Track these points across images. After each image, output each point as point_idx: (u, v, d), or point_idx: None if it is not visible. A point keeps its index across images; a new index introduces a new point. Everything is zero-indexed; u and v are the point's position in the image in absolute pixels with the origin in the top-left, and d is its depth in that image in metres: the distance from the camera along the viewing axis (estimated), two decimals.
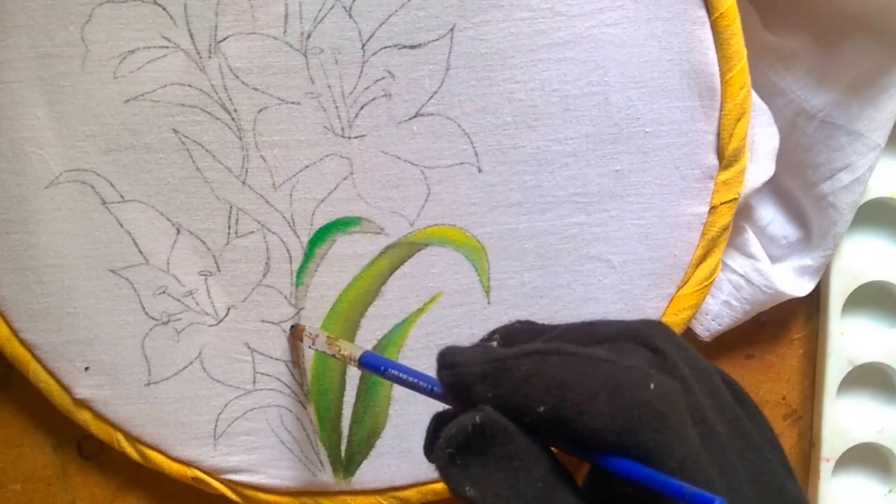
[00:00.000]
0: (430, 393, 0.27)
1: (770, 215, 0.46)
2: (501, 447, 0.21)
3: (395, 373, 0.29)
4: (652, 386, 0.21)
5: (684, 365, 0.23)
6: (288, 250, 0.41)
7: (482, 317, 0.42)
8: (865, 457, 0.49)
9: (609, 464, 0.21)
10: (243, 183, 0.40)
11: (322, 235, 0.41)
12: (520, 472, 0.21)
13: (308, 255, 0.41)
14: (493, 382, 0.22)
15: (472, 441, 0.21)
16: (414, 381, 0.28)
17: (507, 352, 0.22)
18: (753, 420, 0.24)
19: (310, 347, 0.39)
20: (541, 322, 0.27)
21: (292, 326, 0.41)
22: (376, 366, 0.31)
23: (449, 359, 0.23)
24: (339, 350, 0.35)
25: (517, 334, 0.26)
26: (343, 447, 0.43)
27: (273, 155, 0.39)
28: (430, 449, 0.24)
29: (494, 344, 0.25)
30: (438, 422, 0.24)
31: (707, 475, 0.21)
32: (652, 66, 0.40)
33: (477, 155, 0.40)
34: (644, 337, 0.24)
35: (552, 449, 0.22)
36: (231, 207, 0.40)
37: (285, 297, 0.41)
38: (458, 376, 0.22)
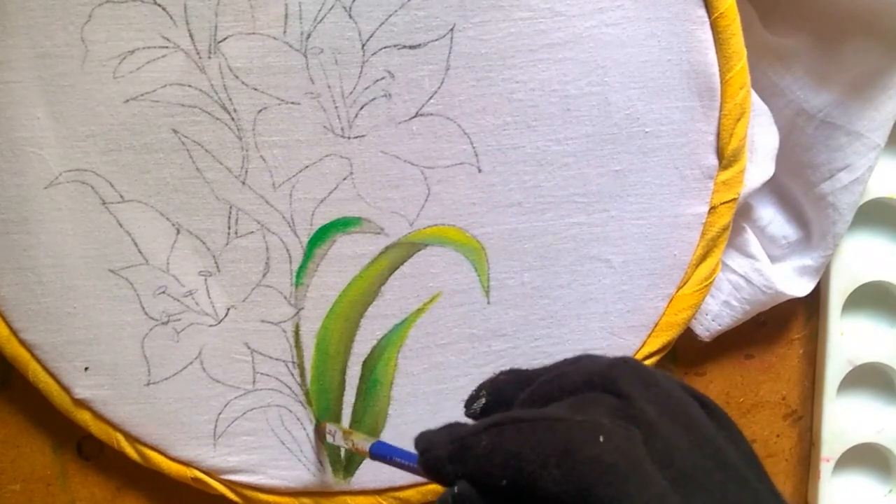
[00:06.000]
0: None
1: (770, 215, 0.46)
2: None
3: (401, 461, 0.32)
4: (601, 438, 0.21)
5: (651, 405, 0.23)
6: (288, 250, 0.41)
7: (482, 317, 0.42)
8: (865, 457, 0.49)
9: None
10: (243, 183, 0.40)
11: (322, 235, 0.41)
12: None
13: (308, 255, 0.41)
14: (460, 461, 0.23)
15: None
16: (417, 468, 0.29)
17: (468, 429, 0.24)
18: (738, 447, 0.24)
19: (331, 442, 0.41)
20: (525, 370, 0.28)
21: (315, 426, 0.42)
22: (385, 455, 0.34)
23: (421, 444, 0.25)
24: (353, 444, 0.37)
25: (503, 388, 0.27)
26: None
27: (273, 155, 0.39)
28: None
29: (483, 401, 0.27)
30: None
31: None
32: (652, 66, 0.40)
33: (477, 155, 0.40)
34: (608, 382, 0.24)
35: None
36: (231, 207, 0.40)
37: (285, 298, 0.41)
38: (430, 461, 0.24)
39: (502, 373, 0.28)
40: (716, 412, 0.25)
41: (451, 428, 0.25)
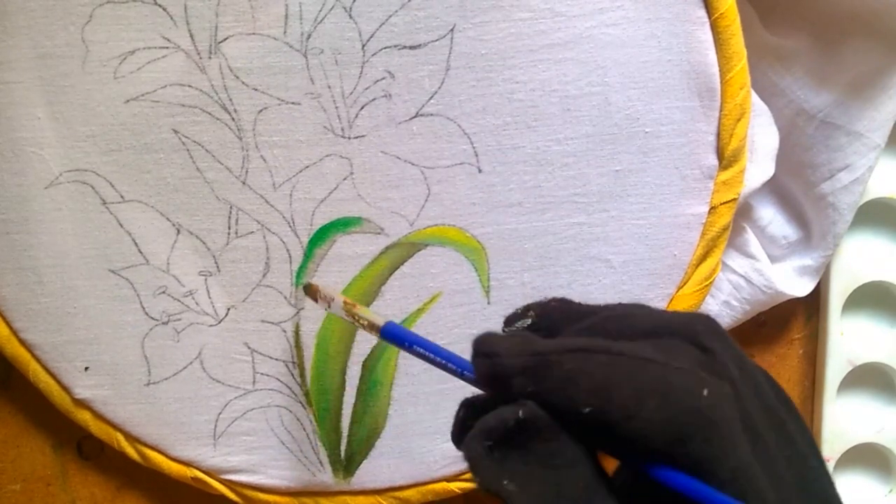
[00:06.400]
0: (460, 375, 0.25)
1: (770, 215, 0.46)
2: (545, 444, 0.21)
3: (421, 350, 0.27)
4: (705, 392, 0.20)
5: (733, 365, 0.22)
6: (288, 250, 0.41)
7: (482, 317, 0.42)
8: (865, 457, 0.49)
9: (656, 473, 0.20)
10: (243, 183, 0.40)
11: (322, 236, 0.41)
12: (562, 470, 0.20)
13: (308, 255, 0.41)
14: (535, 377, 0.21)
15: (513, 436, 0.21)
16: (442, 362, 0.26)
17: (549, 345, 0.21)
18: (796, 423, 0.23)
19: (325, 310, 0.36)
20: (577, 303, 0.26)
21: (306, 286, 0.38)
22: (401, 339, 0.28)
23: (486, 348, 0.22)
24: (358, 318, 0.32)
25: (553, 314, 0.25)
26: (343, 447, 0.43)
27: (273, 155, 0.39)
28: (459, 437, 0.23)
29: (529, 321, 0.25)
30: (468, 409, 0.23)
31: (758, 486, 0.20)
32: (652, 67, 0.40)
33: (477, 155, 0.40)
34: (691, 333, 0.22)
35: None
36: (231, 207, 0.40)
37: (285, 298, 0.41)
38: (497, 367, 0.21)
39: (554, 299, 0.25)
40: (775, 385, 0.24)
41: (525, 339, 0.22)
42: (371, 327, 0.30)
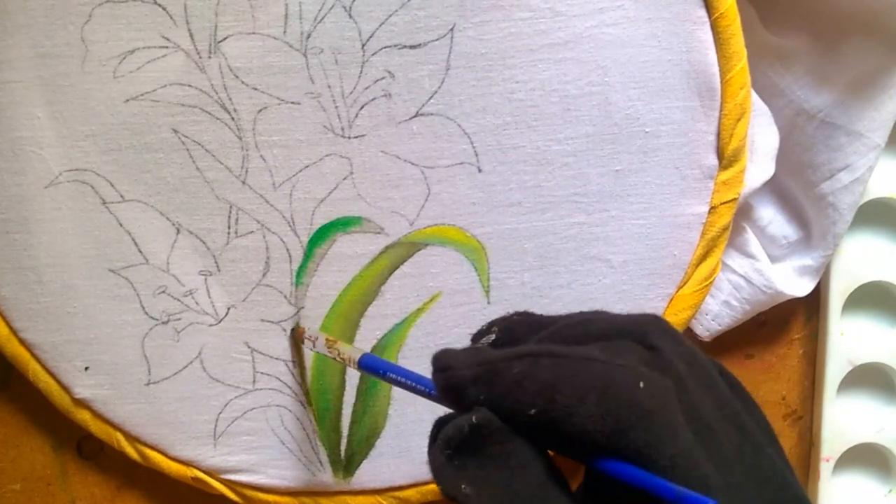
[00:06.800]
0: (428, 395, 0.27)
1: (770, 215, 0.46)
2: (498, 447, 0.22)
3: (394, 376, 0.29)
4: (641, 384, 0.21)
5: (680, 361, 0.23)
6: (288, 250, 0.41)
7: (482, 317, 0.42)
8: (865, 457, 0.49)
9: (601, 465, 0.21)
10: (243, 183, 0.40)
11: (322, 235, 0.41)
12: (515, 471, 0.21)
13: (308, 254, 0.41)
14: (485, 385, 0.22)
15: (469, 442, 0.22)
16: (412, 384, 0.28)
17: (498, 354, 0.23)
18: (752, 415, 0.24)
19: (310, 349, 0.39)
20: (538, 314, 0.27)
21: (293, 329, 0.41)
22: (375, 368, 0.31)
23: (442, 362, 0.23)
24: (339, 353, 0.35)
25: (516, 327, 0.26)
26: (343, 447, 0.43)
27: (273, 155, 0.39)
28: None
29: (493, 336, 0.26)
30: (439, 426, 0.24)
31: (701, 472, 0.21)
32: (652, 66, 0.40)
33: (477, 155, 0.40)
34: (639, 333, 0.24)
35: (548, 452, 0.23)
36: (231, 207, 0.40)
37: (285, 297, 0.41)
38: (451, 379, 0.23)
39: (516, 313, 0.27)
40: (731, 379, 0.25)
41: (478, 351, 0.24)
42: (349, 360, 0.34)
